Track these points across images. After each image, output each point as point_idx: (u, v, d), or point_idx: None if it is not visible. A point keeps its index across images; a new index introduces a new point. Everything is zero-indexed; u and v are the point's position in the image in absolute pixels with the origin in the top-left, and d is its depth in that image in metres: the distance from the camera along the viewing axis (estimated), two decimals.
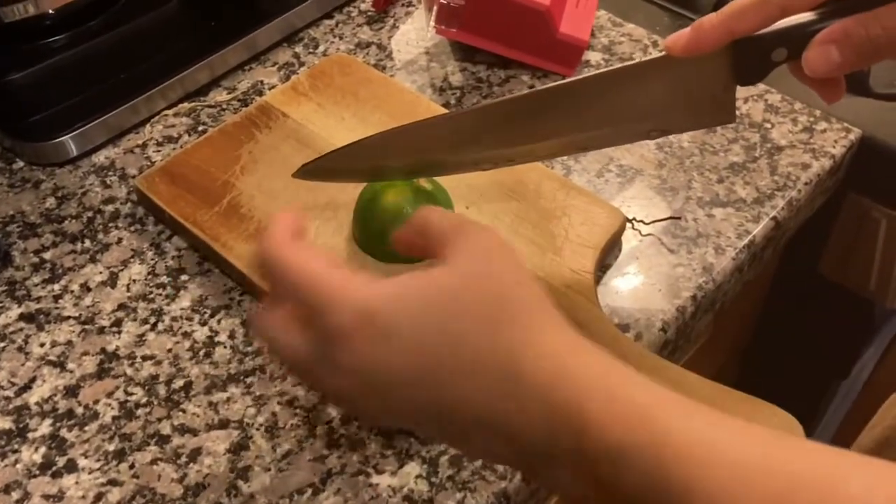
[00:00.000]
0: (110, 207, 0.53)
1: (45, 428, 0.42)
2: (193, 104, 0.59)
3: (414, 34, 0.64)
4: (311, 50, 0.63)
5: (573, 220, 0.48)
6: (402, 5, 0.66)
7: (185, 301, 0.47)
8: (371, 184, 0.46)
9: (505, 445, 0.30)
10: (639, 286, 0.48)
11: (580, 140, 0.42)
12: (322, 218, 0.49)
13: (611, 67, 0.41)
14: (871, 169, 0.59)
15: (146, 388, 0.44)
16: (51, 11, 0.55)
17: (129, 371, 0.44)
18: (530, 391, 0.29)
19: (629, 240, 0.50)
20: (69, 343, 0.46)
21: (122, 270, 0.49)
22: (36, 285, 0.48)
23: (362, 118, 0.55)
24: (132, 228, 0.51)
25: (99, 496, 0.40)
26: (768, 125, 0.57)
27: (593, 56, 0.62)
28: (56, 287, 0.48)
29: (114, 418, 0.43)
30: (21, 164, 0.56)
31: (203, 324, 0.46)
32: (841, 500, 0.25)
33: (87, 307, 0.47)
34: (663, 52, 0.38)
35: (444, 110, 0.56)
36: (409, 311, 0.31)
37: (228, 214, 0.49)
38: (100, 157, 0.56)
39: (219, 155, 0.52)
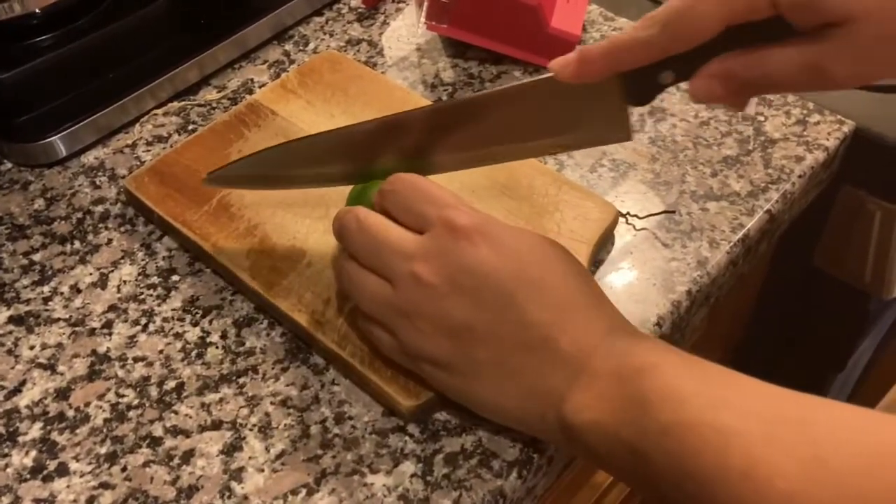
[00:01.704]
0: (100, 208, 0.52)
1: (35, 431, 0.42)
2: (183, 103, 0.58)
3: (405, 30, 0.64)
4: (301, 47, 0.62)
5: (565, 215, 0.48)
6: (393, 1, 0.66)
7: (176, 302, 0.47)
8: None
9: (554, 369, 0.36)
10: (633, 281, 0.47)
11: (484, 153, 0.44)
12: (313, 217, 0.49)
13: (506, 85, 0.42)
14: (865, 161, 0.59)
15: (138, 389, 0.43)
16: (37, 11, 0.54)
17: (120, 373, 0.44)
18: (595, 320, 0.37)
19: (623, 234, 0.50)
20: (59, 345, 0.45)
21: (112, 271, 0.49)
22: (25, 287, 0.48)
23: (352, 115, 0.54)
24: (122, 229, 0.51)
25: (91, 500, 0.39)
26: (761, 118, 0.57)
27: None
28: (45, 289, 0.48)
29: (105, 420, 0.42)
30: (9, 165, 0.55)
31: (195, 324, 0.46)
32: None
33: (78, 309, 0.47)
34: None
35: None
36: (515, 233, 0.39)
37: (218, 213, 0.49)
38: (89, 158, 0.55)
39: (208, 154, 0.52)
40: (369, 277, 0.40)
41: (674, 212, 0.51)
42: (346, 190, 0.46)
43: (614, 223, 0.49)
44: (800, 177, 0.53)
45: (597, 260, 0.48)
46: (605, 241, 0.48)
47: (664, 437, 0.32)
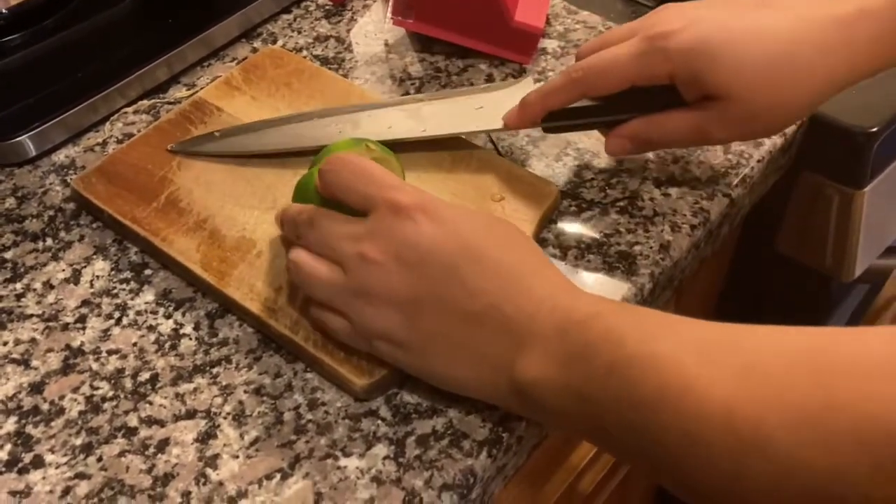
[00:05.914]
0: (71, 205, 0.52)
1: (10, 425, 0.42)
2: (153, 101, 0.59)
3: (372, 27, 0.64)
4: (269, 45, 0.63)
5: (509, 195, 0.49)
6: None
7: (149, 295, 0.48)
8: (310, 169, 0.47)
9: (500, 335, 0.38)
10: (598, 265, 0.49)
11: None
12: (261, 207, 0.49)
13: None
14: (822, 147, 0.60)
15: (112, 381, 0.44)
16: (4, 11, 0.55)
17: (94, 366, 0.44)
18: (537, 285, 0.39)
19: (588, 220, 0.51)
20: (33, 340, 0.46)
21: (85, 267, 0.49)
22: None
23: (297, 109, 0.55)
24: (94, 225, 0.51)
25: (67, 490, 0.40)
26: None
27: (549, 44, 0.62)
28: (18, 286, 0.48)
29: (80, 413, 0.43)
30: None
31: (168, 317, 0.47)
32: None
33: (51, 304, 0.47)
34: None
35: (377, 97, 0.56)
36: (457, 209, 0.41)
37: (167, 209, 0.49)
38: (59, 157, 0.56)
39: (155, 152, 0.52)
40: (321, 264, 0.41)
41: (637, 198, 0.52)
42: (294, 180, 0.47)
43: (556, 201, 0.50)
44: (758, 161, 0.55)
45: (540, 237, 0.50)
46: (547, 219, 0.50)
47: (608, 377, 0.34)
